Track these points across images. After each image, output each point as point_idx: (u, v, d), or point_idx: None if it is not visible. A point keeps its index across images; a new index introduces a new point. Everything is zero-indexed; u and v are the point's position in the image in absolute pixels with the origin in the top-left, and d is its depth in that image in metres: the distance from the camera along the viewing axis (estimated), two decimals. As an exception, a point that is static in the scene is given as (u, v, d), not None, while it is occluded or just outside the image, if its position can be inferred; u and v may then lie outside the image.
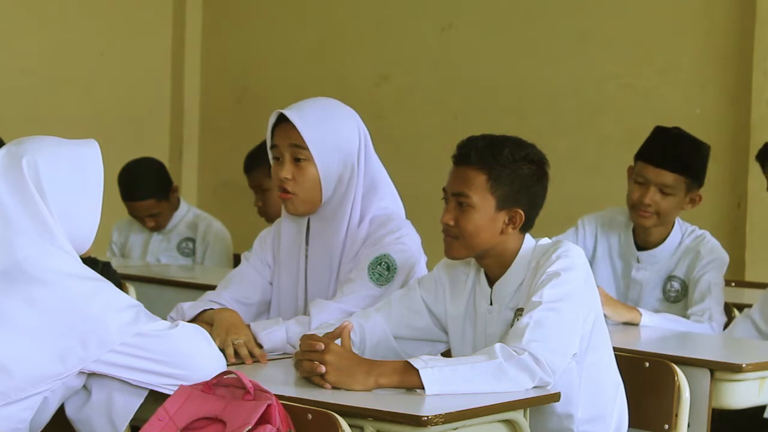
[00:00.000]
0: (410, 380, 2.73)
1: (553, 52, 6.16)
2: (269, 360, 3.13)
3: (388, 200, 3.43)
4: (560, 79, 6.11)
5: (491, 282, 3.06)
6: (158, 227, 5.56)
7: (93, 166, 2.75)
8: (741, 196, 5.54)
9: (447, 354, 3.15)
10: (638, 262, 4.16)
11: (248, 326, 3.23)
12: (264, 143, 5.25)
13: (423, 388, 2.71)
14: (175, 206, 5.59)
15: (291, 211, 3.36)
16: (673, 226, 4.14)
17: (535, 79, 6.20)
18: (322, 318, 3.23)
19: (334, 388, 2.75)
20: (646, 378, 3.19)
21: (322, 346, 2.77)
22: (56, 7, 7.02)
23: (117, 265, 4.76)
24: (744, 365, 3.25)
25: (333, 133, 3.31)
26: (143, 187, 5.48)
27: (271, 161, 3.37)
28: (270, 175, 5.20)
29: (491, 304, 3.04)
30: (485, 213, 2.97)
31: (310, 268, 3.41)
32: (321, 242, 3.39)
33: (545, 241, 3.04)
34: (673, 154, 4.04)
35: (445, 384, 2.73)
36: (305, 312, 3.36)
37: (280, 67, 7.17)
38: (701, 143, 4.12)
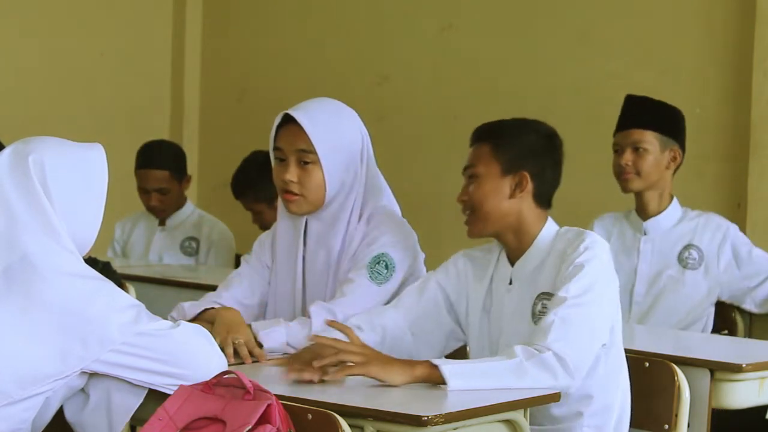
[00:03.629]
0: (437, 375, 2.77)
1: (553, 52, 6.15)
2: (269, 360, 3.13)
3: (385, 200, 3.43)
4: (560, 79, 6.11)
5: (512, 262, 3.10)
6: (162, 210, 5.55)
7: (98, 169, 2.76)
8: (741, 196, 5.53)
9: (460, 355, 3.19)
10: (645, 234, 4.23)
11: (249, 326, 3.24)
12: (245, 165, 5.41)
13: (445, 384, 2.75)
14: (182, 200, 5.61)
15: (294, 211, 3.35)
16: (671, 201, 4.26)
17: (535, 79, 6.20)
18: (323, 319, 3.23)
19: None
20: (646, 378, 3.19)
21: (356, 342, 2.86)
22: (56, 7, 7.02)
23: (118, 265, 4.77)
24: (744, 365, 3.25)
25: (339, 137, 3.32)
26: (162, 157, 5.54)
27: (273, 161, 3.37)
28: (257, 200, 5.39)
29: (510, 283, 3.07)
30: (491, 179, 3.04)
31: (308, 268, 3.41)
32: (319, 243, 3.39)
33: (567, 228, 3.08)
34: (635, 113, 4.23)
35: (467, 378, 2.76)
36: (303, 313, 3.36)
37: (280, 67, 7.16)
38: (667, 104, 4.29)
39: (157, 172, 5.48)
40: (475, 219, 3.07)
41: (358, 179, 3.35)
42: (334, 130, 3.31)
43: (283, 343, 3.20)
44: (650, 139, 4.19)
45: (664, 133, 4.20)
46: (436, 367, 2.78)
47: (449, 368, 2.77)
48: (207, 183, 7.27)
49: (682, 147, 4.25)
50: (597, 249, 2.97)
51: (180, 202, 5.60)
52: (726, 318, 4.25)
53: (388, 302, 3.30)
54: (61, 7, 7.04)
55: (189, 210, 5.64)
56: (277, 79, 7.15)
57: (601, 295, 2.95)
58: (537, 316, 3.01)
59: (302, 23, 7.09)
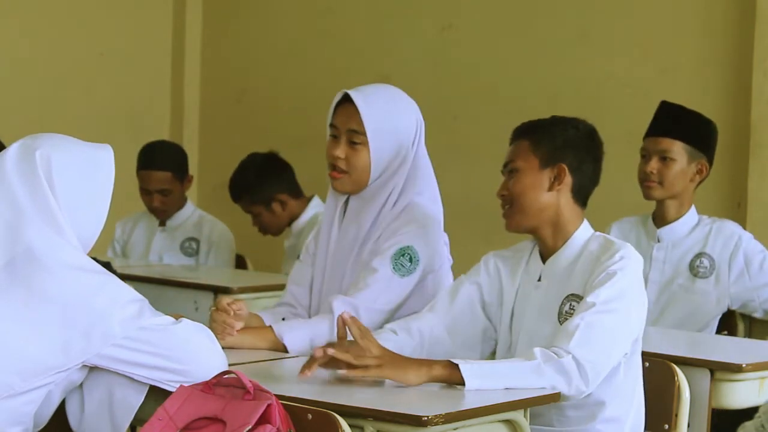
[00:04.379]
0: (456, 375, 2.78)
1: (553, 52, 6.15)
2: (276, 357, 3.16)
3: (427, 196, 3.48)
4: (560, 79, 6.11)
5: (544, 260, 3.11)
6: (163, 211, 5.56)
7: (104, 169, 2.76)
8: (741, 196, 5.53)
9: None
10: (658, 241, 4.21)
11: (270, 327, 3.29)
12: (242, 167, 5.45)
13: (463, 384, 2.76)
14: (183, 201, 5.61)
15: (338, 188, 3.44)
16: (689, 208, 4.23)
17: (535, 79, 6.20)
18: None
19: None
20: (646, 378, 3.19)
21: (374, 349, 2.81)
22: (56, 7, 7.02)
23: (118, 265, 4.77)
24: (744, 365, 3.25)
25: (392, 124, 3.39)
26: (164, 158, 5.55)
27: (328, 136, 3.44)
28: (254, 202, 5.46)
29: (539, 280, 3.09)
30: (530, 172, 3.07)
31: (338, 244, 3.47)
32: (353, 219, 3.45)
33: (600, 233, 3.11)
34: (668, 121, 4.19)
35: (485, 378, 2.78)
36: (323, 290, 3.45)
37: (280, 67, 7.16)
38: (702, 115, 4.23)
39: (159, 173, 5.48)
40: (513, 212, 3.09)
41: (404, 166, 3.42)
42: (388, 116, 3.39)
43: (306, 343, 3.23)
44: (678, 150, 4.14)
45: (694, 145, 4.15)
46: (454, 366, 2.79)
47: (468, 368, 2.78)
48: (207, 183, 7.27)
49: (710, 161, 4.20)
50: (632, 260, 2.99)
51: (181, 203, 5.61)
52: (726, 318, 4.25)
53: (407, 295, 3.34)
54: (61, 7, 7.04)
55: (189, 210, 5.64)
56: (277, 79, 7.15)
57: (629, 305, 2.96)
58: (564, 316, 3.02)
59: (302, 23, 7.09)
